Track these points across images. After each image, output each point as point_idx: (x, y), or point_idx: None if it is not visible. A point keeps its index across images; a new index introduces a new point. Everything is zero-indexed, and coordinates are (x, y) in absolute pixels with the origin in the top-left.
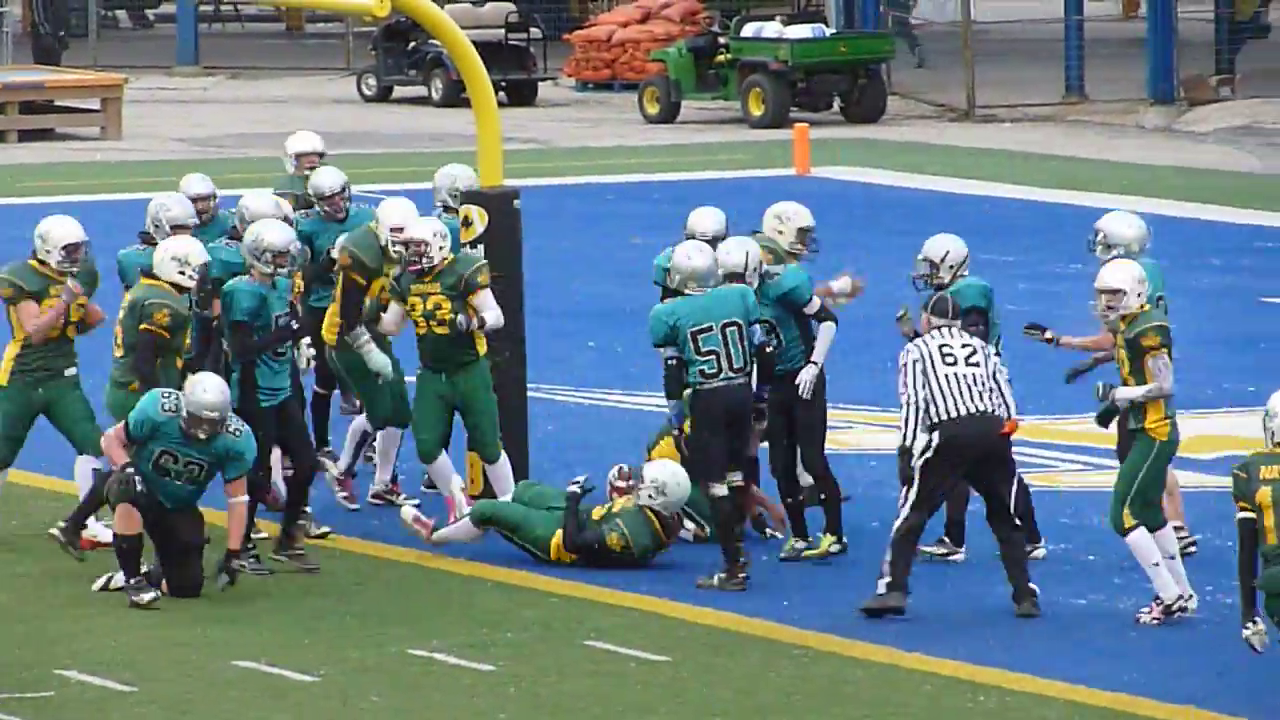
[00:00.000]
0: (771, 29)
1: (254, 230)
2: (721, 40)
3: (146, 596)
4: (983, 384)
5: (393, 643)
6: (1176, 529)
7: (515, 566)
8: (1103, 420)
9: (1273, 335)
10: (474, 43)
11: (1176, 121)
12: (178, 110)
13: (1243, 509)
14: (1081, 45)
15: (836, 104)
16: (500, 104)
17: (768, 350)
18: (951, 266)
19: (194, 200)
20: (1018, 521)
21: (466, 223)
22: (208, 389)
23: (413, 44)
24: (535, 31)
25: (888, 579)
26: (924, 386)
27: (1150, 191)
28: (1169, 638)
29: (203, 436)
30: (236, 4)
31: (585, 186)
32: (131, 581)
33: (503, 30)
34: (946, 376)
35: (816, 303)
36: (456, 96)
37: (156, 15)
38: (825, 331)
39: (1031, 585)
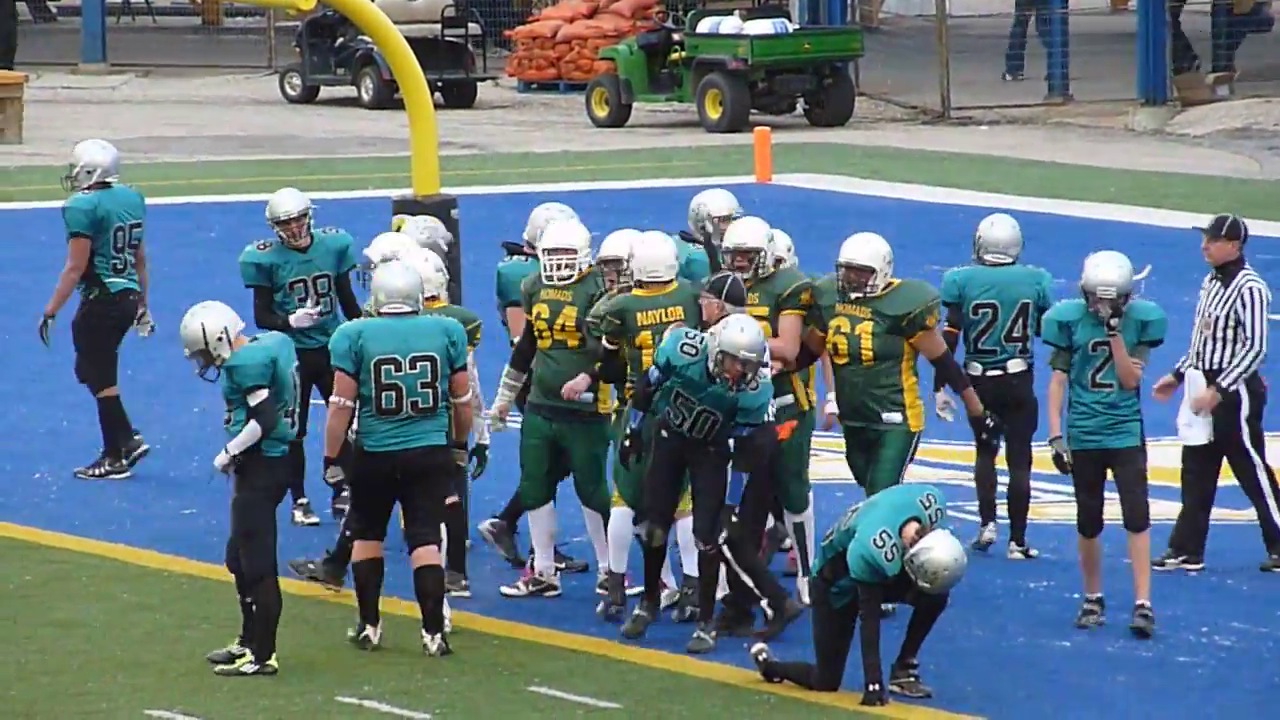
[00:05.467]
0: (730, 24)
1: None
2: (675, 37)
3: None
4: None
5: (319, 689)
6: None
7: (453, 607)
8: None
9: (1274, 356)
10: (408, 39)
11: (1169, 123)
12: (83, 111)
13: (612, 343)
14: (1065, 41)
15: (800, 106)
16: (436, 105)
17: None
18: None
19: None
20: None
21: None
22: (392, 271)
23: (341, 40)
24: (474, 27)
25: None
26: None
27: (1140, 200)
28: (1162, 685)
29: (408, 308)
30: None
31: (528, 195)
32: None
33: (439, 26)
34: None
35: None
36: (389, 97)
37: (59, 8)
38: None
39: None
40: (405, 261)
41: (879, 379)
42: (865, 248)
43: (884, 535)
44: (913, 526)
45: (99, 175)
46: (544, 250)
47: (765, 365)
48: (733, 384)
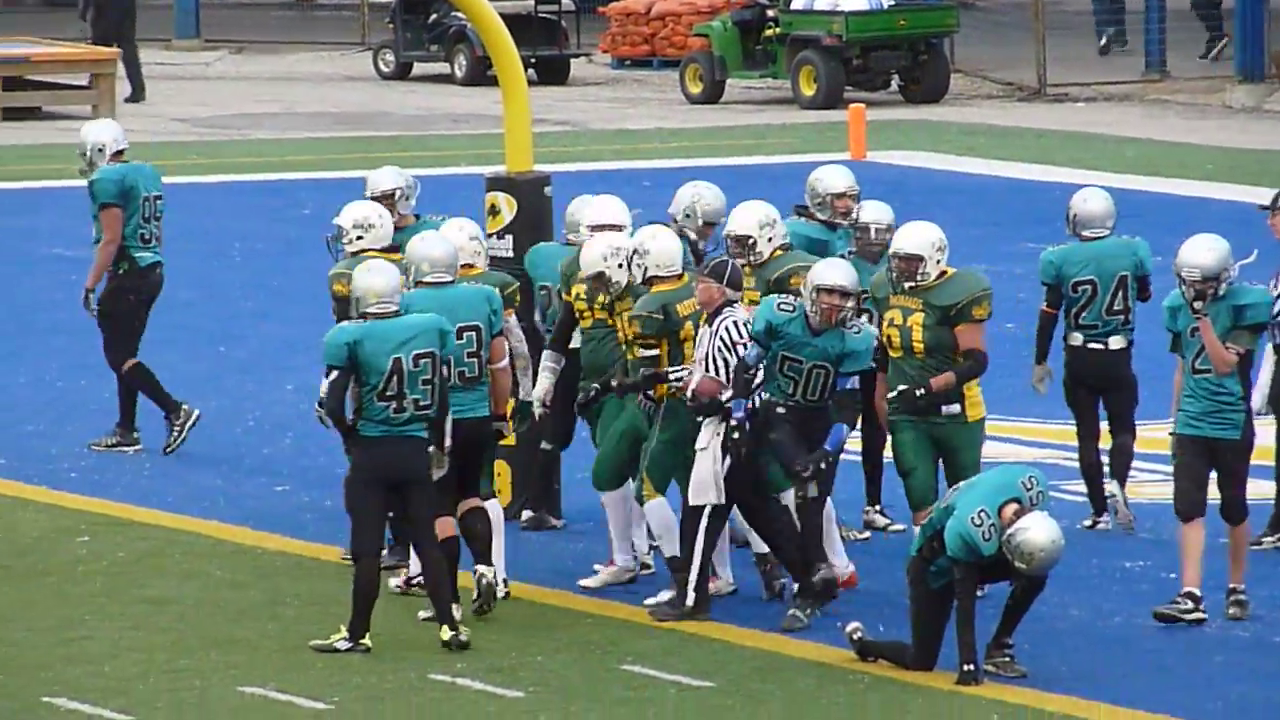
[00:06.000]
0: (825, 0)
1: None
2: (770, 13)
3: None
4: None
5: (412, 666)
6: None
7: (547, 584)
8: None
9: None
10: (501, 15)
11: (1267, 100)
12: (177, 87)
13: (653, 345)
14: (1163, 17)
15: (895, 82)
16: (530, 82)
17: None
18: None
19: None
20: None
21: (494, 211)
22: (429, 241)
23: (434, 16)
24: (568, 3)
25: None
26: None
27: (1238, 178)
28: (1259, 665)
29: (449, 277)
30: None
31: (621, 172)
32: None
33: (532, 2)
34: None
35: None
36: (482, 74)
37: None
38: None
39: None
40: (439, 231)
41: (933, 371)
42: (913, 236)
43: (982, 514)
44: (1012, 507)
45: (112, 148)
46: (589, 226)
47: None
48: (833, 320)
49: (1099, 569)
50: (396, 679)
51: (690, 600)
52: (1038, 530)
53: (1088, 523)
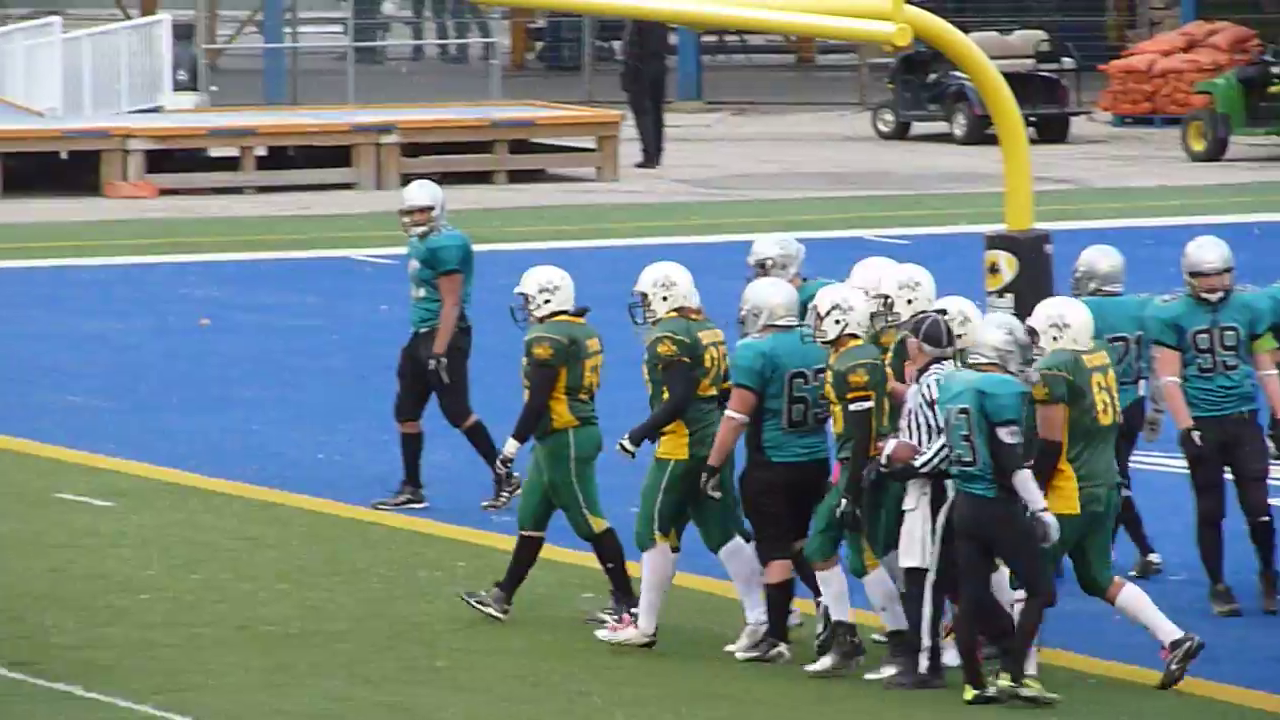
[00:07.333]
0: None
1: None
2: (1275, 70)
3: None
4: None
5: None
6: None
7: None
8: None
9: None
10: (1002, 74)
11: None
12: (679, 149)
13: (867, 397)
14: None
15: None
16: (1030, 140)
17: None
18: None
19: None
20: None
21: (993, 270)
22: (763, 288)
23: (933, 76)
24: (1068, 61)
25: None
26: None
27: None
28: None
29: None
30: (742, 34)
31: (1123, 230)
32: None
33: (1033, 60)
34: None
35: None
36: (981, 133)
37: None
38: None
39: None
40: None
41: None
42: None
43: None
44: None
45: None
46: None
47: None
48: None
49: None
50: None
51: (924, 666)
52: None
53: None
